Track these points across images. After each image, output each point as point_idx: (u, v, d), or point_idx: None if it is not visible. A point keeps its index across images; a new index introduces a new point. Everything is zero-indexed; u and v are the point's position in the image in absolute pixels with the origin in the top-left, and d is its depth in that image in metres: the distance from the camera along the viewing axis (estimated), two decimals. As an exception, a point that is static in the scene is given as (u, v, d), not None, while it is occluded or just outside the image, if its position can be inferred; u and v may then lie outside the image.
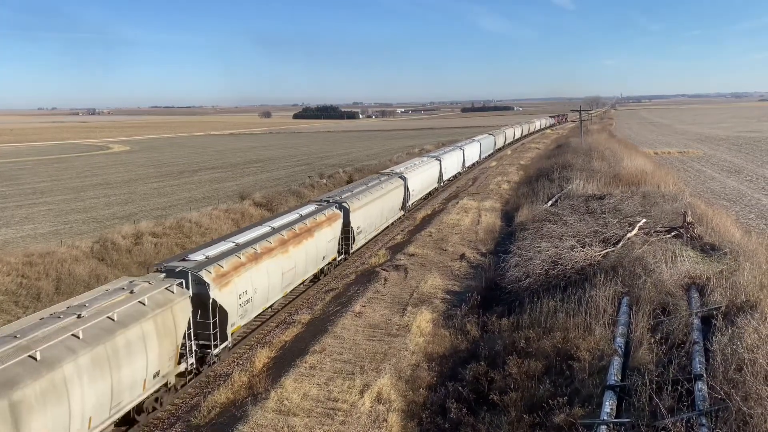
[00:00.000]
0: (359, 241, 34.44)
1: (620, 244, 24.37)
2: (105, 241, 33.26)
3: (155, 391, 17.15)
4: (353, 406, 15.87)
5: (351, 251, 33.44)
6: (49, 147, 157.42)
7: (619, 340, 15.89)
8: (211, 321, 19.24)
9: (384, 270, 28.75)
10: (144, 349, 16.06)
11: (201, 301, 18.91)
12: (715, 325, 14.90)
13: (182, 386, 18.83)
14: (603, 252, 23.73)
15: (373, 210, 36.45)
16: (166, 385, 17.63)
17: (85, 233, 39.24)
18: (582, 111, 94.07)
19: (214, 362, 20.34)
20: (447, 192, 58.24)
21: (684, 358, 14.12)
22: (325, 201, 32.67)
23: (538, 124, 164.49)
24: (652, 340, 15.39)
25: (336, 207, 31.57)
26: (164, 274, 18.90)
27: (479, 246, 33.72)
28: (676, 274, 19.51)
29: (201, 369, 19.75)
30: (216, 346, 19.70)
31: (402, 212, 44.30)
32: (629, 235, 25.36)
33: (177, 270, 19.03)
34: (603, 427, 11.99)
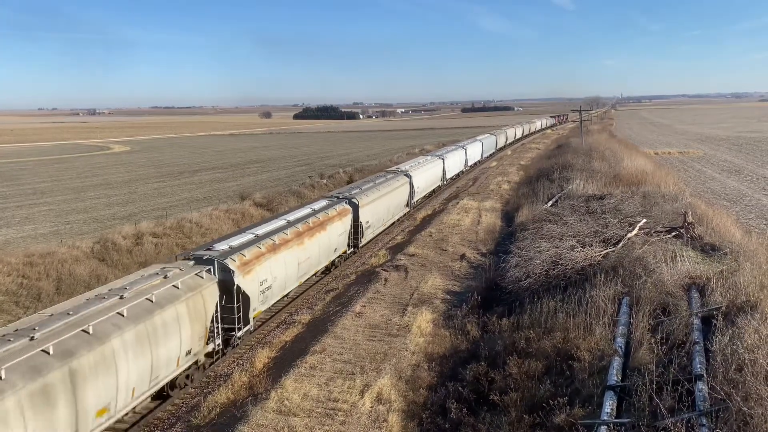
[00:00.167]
0: (368, 236, 35.75)
1: (620, 245, 24.36)
2: (105, 241, 33.28)
3: (187, 369, 18.58)
4: (353, 406, 15.87)
5: (360, 245, 34.82)
6: (50, 147, 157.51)
7: (620, 341, 15.89)
8: (235, 306, 20.66)
9: (384, 270, 28.76)
10: (178, 329, 17.46)
11: (226, 287, 20.32)
12: (715, 325, 14.90)
13: (210, 365, 20.24)
14: (603, 252, 23.73)
15: (381, 206, 37.79)
16: (196, 363, 19.11)
17: (86, 233, 39.26)
18: (582, 111, 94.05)
19: (237, 344, 21.72)
20: (447, 192, 58.25)
21: (684, 359, 14.12)
22: (335, 197, 34.02)
23: (539, 124, 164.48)
24: (653, 340, 15.39)
25: (346, 202, 32.82)
26: (193, 262, 20.23)
27: (479, 246, 33.72)
28: (676, 275, 19.51)
29: (226, 350, 21.12)
30: (240, 329, 21.16)
31: (407, 209, 45.80)
32: (629, 235, 25.36)
33: (204, 258, 20.44)
34: (603, 428, 11.99)
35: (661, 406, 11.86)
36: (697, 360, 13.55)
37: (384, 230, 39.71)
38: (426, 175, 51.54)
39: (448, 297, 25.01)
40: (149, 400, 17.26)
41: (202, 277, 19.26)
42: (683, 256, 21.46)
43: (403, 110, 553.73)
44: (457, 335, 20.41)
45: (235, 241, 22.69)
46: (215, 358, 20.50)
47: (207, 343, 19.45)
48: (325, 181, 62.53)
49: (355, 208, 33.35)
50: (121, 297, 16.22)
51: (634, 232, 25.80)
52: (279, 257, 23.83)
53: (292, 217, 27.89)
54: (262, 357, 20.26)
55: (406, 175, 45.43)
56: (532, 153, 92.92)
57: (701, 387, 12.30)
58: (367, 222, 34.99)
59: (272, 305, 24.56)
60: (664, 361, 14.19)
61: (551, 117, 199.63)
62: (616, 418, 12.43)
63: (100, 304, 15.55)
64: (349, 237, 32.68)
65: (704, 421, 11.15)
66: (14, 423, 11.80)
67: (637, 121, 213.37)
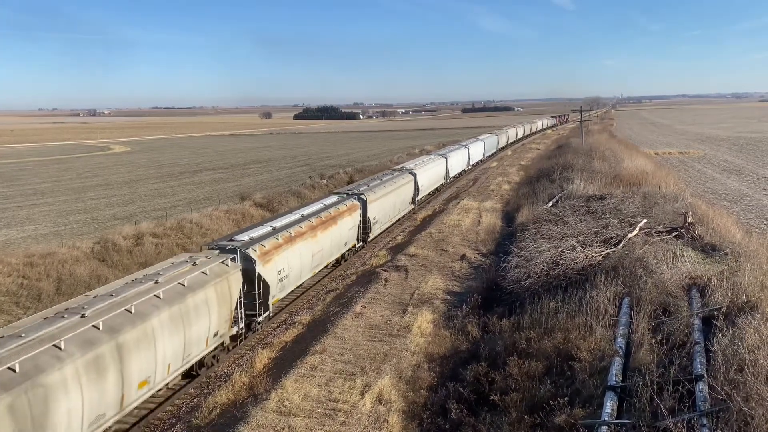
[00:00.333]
0: (375, 231, 37.15)
1: (621, 245, 24.35)
2: (106, 241, 33.27)
3: (214, 349, 20.06)
4: (354, 406, 15.86)
5: (368, 239, 36.14)
6: (50, 148, 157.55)
7: (620, 341, 15.88)
8: (256, 292, 22.03)
9: (385, 270, 28.75)
10: (207, 312, 18.89)
11: (248, 275, 21.60)
12: (715, 325, 14.89)
13: (234, 347, 21.65)
14: (604, 252, 23.72)
15: (387, 202, 39.19)
16: (222, 344, 20.60)
17: (86, 234, 39.26)
18: (582, 111, 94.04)
19: (258, 329, 23.14)
20: (448, 192, 58.26)
21: (685, 359, 14.11)
22: (345, 193, 35.43)
23: (539, 124, 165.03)
24: (653, 340, 15.38)
25: (355, 198, 34.20)
26: (218, 251, 21.60)
27: (480, 246, 33.72)
28: (676, 275, 19.50)
29: (247, 334, 22.44)
30: (260, 314, 22.59)
31: (412, 206, 47.12)
32: (630, 235, 25.35)
33: (228, 247, 21.83)
34: (604, 428, 11.98)
35: (662, 406, 11.85)
36: (698, 360, 13.54)
37: (390, 226, 41.00)
38: (430, 173, 52.67)
39: (449, 297, 25.00)
40: (180, 377, 18.71)
41: (228, 265, 20.69)
42: (684, 257, 21.45)
43: (404, 110, 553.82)
44: (457, 336, 20.39)
45: (255, 233, 24.11)
46: (239, 340, 21.87)
47: (232, 326, 20.87)
48: (325, 181, 62.52)
49: (364, 204, 34.66)
50: (156, 281, 17.56)
51: (635, 232, 25.79)
52: (295, 249, 25.22)
53: (306, 211, 29.35)
54: (263, 357, 20.26)
55: (411, 173, 46.56)
56: (532, 153, 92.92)
57: (702, 387, 12.29)
58: (374, 218, 36.26)
59: (288, 293, 25.96)
60: (664, 362, 14.18)
61: (552, 117, 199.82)
62: (616, 418, 12.42)
63: (139, 287, 16.98)
64: (358, 231, 34.03)
65: (705, 422, 11.14)
66: (73, 389, 13.31)
67: (638, 122, 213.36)
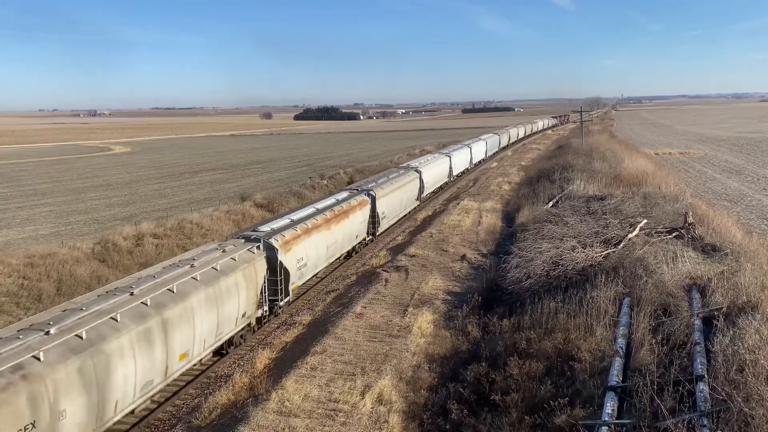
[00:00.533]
0: (383, 225, 38.75)
1: (621, 245, 24.35)
2: (106, 242, 33.27)
3: (242, 329, 21.69)
4: (354, 407, 15.86)
5: (377, 233, 37.79)
6: (50, 148, 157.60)
7: (621, 341, 15.87)
8: (278, 278, 23.75)
9: (385, 271, 28.74)
10: (237, 294, 20.52)
11: (270, 263, 23.21)
12: (716, 325, 14.89)
13: (258, 328, 23.39)
14: (604, 253, 23.72)
15: (395, 198, 40.85)
16: (249, 325, 22.27)
17: (86, 234, 39.27)
18: (582, 112, 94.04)
19: (279, 313, 24.95)
20: (448, 193, 58.28)
21: (685, 359, 14.11)
22: (355, 189, 37.39)
23: (540, 124, 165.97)
24: (654, 340, 15.38)
25: (365, 194, 35.88)
26: (244, 240, 23.27)
27: (480, 247, 33.71)
28: (677, 275, 19.50)
29: (270, 317, 24.12)
30: (282, 299, 24.36)
31: (417, 202, 48.76)
32: (630, 235, 25.34)
33: (252, 237, 23.64)
34: (604, 428, 11.99)
35: (662, 406, 11.85)
36: (698, 361, 13.54)
37: (397, 221, 42.72)
38: (434, 171, 54.39)
39: (449, 298, 25.00)
40: (211, 354, 20.32)
41: (254, 252, 22.40)
42: (684, 257, 21.45)
43: (404, 111, 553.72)
44: (457, 336, 20.39)
45: (276, 224, 26.06)
46: (263, 322, 23.63)
47: (257, 309, 22.58)
48: (325, 182, 62.52)
49: (373, 200, 36.22)
50: (192, 265, 19.23)
51: (635, 232, 25.79)
52: (311, 240, 26.93)
53: (320, 205, 31.25)
54: (263, 358, 20.26)
55: (416, 171, 48.18)
56: (532, 153, 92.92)
57: (702, 388, 12.29)
58: (383, 212, 37.82)
59: (306, 281, 27.66)
60: (665, 362, 14.18)
61: (553, 117, 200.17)
62: (617, 418, 12.42)
63: (178, 270, 18.72)
64: (368, 225, 35.68)
65: (705, 422, 11.14)
66: (128, 356, 15.05)
67: (638, 122, 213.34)
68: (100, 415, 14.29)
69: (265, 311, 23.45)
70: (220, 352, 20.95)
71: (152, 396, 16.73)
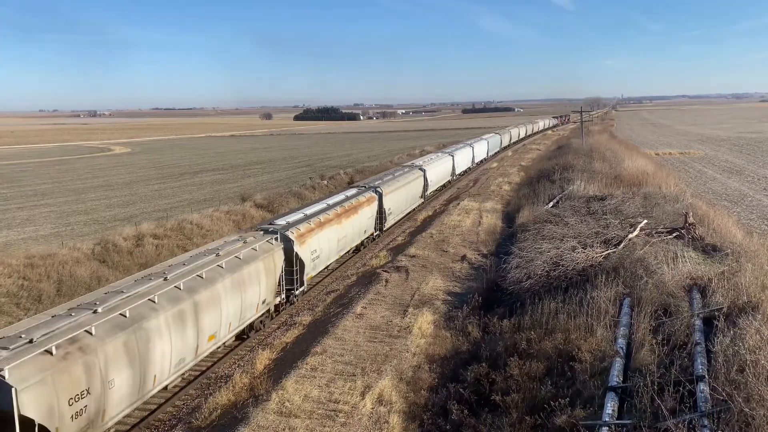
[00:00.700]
0: (390, 221, 40.31)
1: (621, 245, 24.34)
2: (106, 242, 33.26)
3: (261, 315, 23.05)
4: (354, 407, 15.85)
5: (384, 229, 39.22)
6: (51, 149, 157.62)
7: (621, 342, 15.86)
8: (295, 268, 25.29)
9: (385, 271, 28.73)
10: (258, 282, 21.88)
11: (287, 254, 24.60)
12: (716, 326, 14.88)
13: (276, 315, 24.81)
14: (604, 253, 23.70)
15: (401, 195, 42.36)
16: (268, 311, 23.71)
17: (87, 235, 39.26)
18: (583, 112, 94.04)
19: (295, 302, 26.39)
20: (448, 193, 58.28)
21: (686, 360, 14.10)
22: (363, 186, 38.71)
23: (541, 124, 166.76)
24: (654, 341, 15.37)
25: (373, 191, 37.31)
26: (262, 232, 24.77)
27: (480, 247, 33.70)
28: (677, 275, 19.49)
29: (286, 305, 25.65)
30: (297, 288, 25.96)
31: (422, 200, 50.13)
32: (630, 236, 25.33)
33: (270, 230, 25.17)
34: (605, 429, 11.97)
35: (663, 407, 11.84)
36: (699, 361, 13.53)
37: (402, 217, 44.12)
38: (438, 170, 55.71)
39: (449, 298, 24.99)
40: (234, 338, 21.62)
41: (272, 243, 23.77)
42: (684, 257, 21.45)
43: (404, 111, 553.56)
44: (458, 336, 20.38)
45: (291, 218, 27.54)
46: (281, 309, 25.15)
47: (276, 296, 24.03)
48: (325, 182, 62.51)
49: (380, 196, 37.61)
50: (218, 254, 20.66)
51: (635, 233, 25.77)
52: (324, 233, 28.41)
53: (331, 201, 32.83)
54: (263, 358, 20.25)
55: (420, 169, 49.59)
56: (532, 154, 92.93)
57: (703, 388, 12.27)
58: (389, 209, 39.27)
59: (318, 272, 29.13)
60: (665, 362, 14.17)
61: (554, 118, 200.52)
62: (617, 419, 12.41)
63: (205, 258, 20.13)
64: (375, 221, 37.12)
65: (706, 422, 11.13)
66: (165, 334, 16.37)
67: (638, 122, 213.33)
68: (141, 387, 15.64)
69: (283, 299, 25.04)
70: (241, 337, 22.34)
71: (183, 373, 18.10)
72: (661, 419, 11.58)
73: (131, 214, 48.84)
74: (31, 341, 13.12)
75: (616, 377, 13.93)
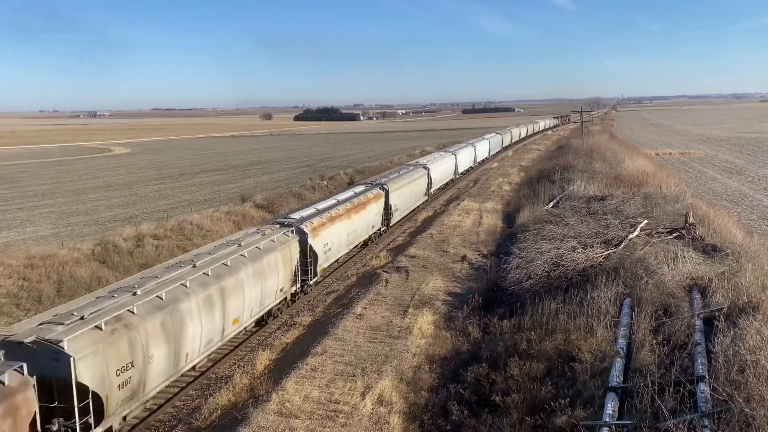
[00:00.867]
0: (396, 217, 41.78)
1: (622, 246, 24.33)
2: (106, 243, 33.26)
3: (279, 302, 24.68)
4: (355, 408, 15.84)
5: (390, 224, 40.77)
6: (51, 149, 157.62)
7: (621, 342, 15.85)
8: (309, 260, 26.76)
9: (385, 272, 28.72)
10: (276, 271, 23.43)
11: (302, 246, 26.05)
12: (717, 326, 14.87)
13: (292, 303, 26.45)
14: (604, 253, 23.69)
15: (406, 193, 43.80)
16: (285, 299, 25.26)
17: (87, 235, 39.25)
18: (583, 112, 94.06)
19: (309, 291, 27.93)
20: (448, 193, 58.28)
21: (686, 360, 14.09)
22: (370, 183, 40.12)
23: (542, 124, 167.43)
24: (654, 341, 15.37)
25: (380, 188, 38.74)
26: (279, 225, 26.32)
27: (480, 247, 33.69)
28: (677, 276, 19.48)
29: (301, 295, 27.11)
30: (311, 278, 27.43)
31: (426, 197, 51.53)
32: (631, 236, 25.32)
33: (286, 223, 26.81)
34: (605, 429, 11.97)
35: (663, 407, 11.83)
36: (699, 361, 13.52)
37: (408, 214, 45.43)
38: (441, 168, 57.23)
39: (449, 298, 24.98)
40: (254, 324, 23.08)
41: (289, 236, 25.30)
42: (685, 257, 21.43)
43: (404, 111, 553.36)
44: (458, 337, 20.37)
45: (304, 213, 29.18)
46: (296, 298, 26.62)
47: (291, 286, 25.44)
48: (325, 182, 62.51)
49: (387, 193, 39.02)
50: (239, 245, 22.11)
51: (636, 233, 25.76)
52: (335, 227, 29.84)
53: (341, 197, 34.24)
54: (263, 359, 20.24)
55: (424, 167, 51.08)
56: (533, 154, 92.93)
57: (703, 388, 12.27)
58: (395, 205, 40.67)
59: (329, 265, 30.45)
60: (665, 363, 14.16)
61: (555, 118, 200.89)
62: (617, 419, 12.40)
63: (228, 248, 21.53)
64: (382, 217, 38.43)
65: (706, 423, 11.13)
66: (195, 316, 17.82)
67: (638, 122, 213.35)
68: (176, 364, 17.07)
69: (298, 288, 26.38)
70: (260, 323, 23.75)
71: (210, 354, 19.49)
72: (662, 419, 11.57)
73: (131, 215, 48.83)
74: (82, 318, 14.52)
75: (616, 377, 13.93)
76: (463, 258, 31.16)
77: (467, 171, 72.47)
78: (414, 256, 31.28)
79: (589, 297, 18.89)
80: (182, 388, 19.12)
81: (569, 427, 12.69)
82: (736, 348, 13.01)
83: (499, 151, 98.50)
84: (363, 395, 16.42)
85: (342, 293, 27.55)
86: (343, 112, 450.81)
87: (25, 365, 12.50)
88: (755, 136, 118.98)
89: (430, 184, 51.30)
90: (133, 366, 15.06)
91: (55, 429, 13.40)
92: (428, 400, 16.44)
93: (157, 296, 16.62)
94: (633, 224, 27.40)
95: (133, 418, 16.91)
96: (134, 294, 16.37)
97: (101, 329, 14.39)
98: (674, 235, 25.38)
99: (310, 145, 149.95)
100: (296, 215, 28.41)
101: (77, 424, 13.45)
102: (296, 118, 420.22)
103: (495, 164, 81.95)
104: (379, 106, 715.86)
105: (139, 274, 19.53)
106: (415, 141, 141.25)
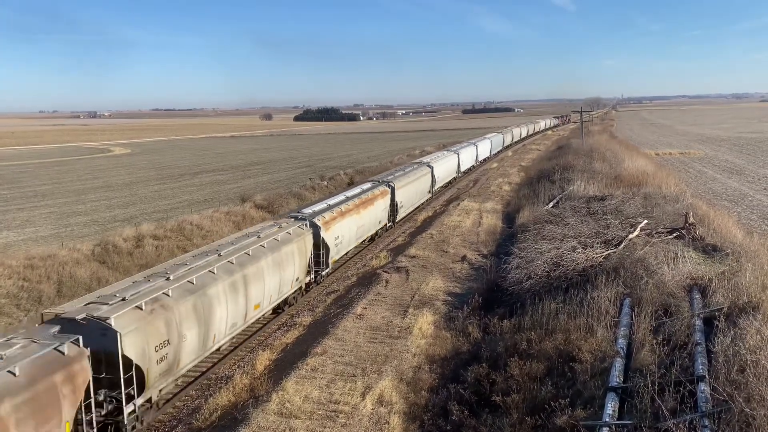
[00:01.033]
0: (401, 214, 43.23)
1: (622, 246, 24.33)
2: (106, 243, 33.26)
3: (295, 291, 26.03)
4: (355, 408, 15.84)
5: (396, 220, 42.13)
6: (51, 150, 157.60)
7: (621, 342, 15.86)
8: (321, 252, 28.20)
9: (385, 272, 28.71)
10: (293, 261, 24.81)
11: (315, 238, 27.44)
12: (717, 326, 14.87)
13: (306, 292, 27.90)
14: (604, 253, 23.69)
15: (411, 190, 45.22)
16: (299, 288, 26.62)
17: (87, 236, 39.26)
18: (583, 112, 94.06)
19: (322, 281, 29.47)
20: (448, 194, 58.29)
21: (686, 360, 14.09)
22: (377, 180, 41.71)
23: (542, 124, 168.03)
24: (654, 341, 15.37)
25: (386, 185, 40.12)
26: (293, 219, 27.76)
27: (480, 248, 33.69)
28: (677, 276, 19.48)
29: (313, 285, 28.54)
30: (323, 270, 28.95)
31: (429, 195, 52.90)
32: (631, 236, 25.32)
33: (300, 217, 28.27)
34: (605, 429, 11.97)
35: (663, 407, 11.83)
36: (699, 361, 13.52)
37: (412, 210, 46.85)
38: (444, 167, 58.68)
39: (449, 299, 24.98)
40: (271, 311, 24.41)
41: (303, 229, 26.79)
42: (685, 257, 21.43)
43: (404, 112, 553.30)
44: (458, 337, 20.37)
45: (316, 207, 30.53)
46: (310, 288, 28.16)
47: (306, 276, 26.82)
48: (325, 182, 62.51)
49: (393, 190, 40.42)
50: (259, 236, 23.60)
51: (636, 233, 25.76)
52: (345, 221, 31.20)
53: (350, 193, 35.84)
54: (263, 359, 20.23)
55: (428, 166, 52.58)
56: (532, 154, 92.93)
57: (703, 388, 12.27)
58: (400, 202, 42.03)
59: (340, 257, 31.77)
60: (665, 363, 14.16)
61: (555, 118, 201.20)
62: (617, 419, 12.40)
63: (249, 239, 22.98)
64: (388, 213, 39.79)
65: (706, 423, 11.13)
66: (222, 301, 19.17)
67: (638, 122, 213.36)
68: (205, 344, 18.43)
69: (312, 278, 27.84)
70: (276, 311, 25.10)
71: (233, 337, 20.90)
72: (662, 419, 11.57)
73: (131, 215, 48.84)
74: (124, 299, 15.86)
75: (616, 377, 13.93)
76: (463, 258, 31.16)
77: (469, 170, 73.97)
78: (414, 256, 31.28)
79: (589, 297, 18.88)
80: (182, 388, 19.13)
81: (569, 427, 12.69)
82: (737, 348, 13.01)
83: (500, 150, 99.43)
84: (363, 395, 16.41)
85: (342, 293, 27.54)
86: (343, 112, 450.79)
87: (81, 338, 13.72)
88: (755, 136, 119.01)
89: (433, 182, 52.65)
90: (169, 343, 16.32)
91: (101, 399, 14.66)
92: (428, 400, 16.43)
93: (188, 281, 17.99)
94: (633, 224, 27.40)
95: (167, 393, 17.54)
96: (167, 279, 17.68)
97: (141, 309, 15.72)
98: (674, 235, 25.38)
99: (310, 146, 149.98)
100: (308, 210, 29.70)
101: (122, 394, 14.87)
102: (296, 119, 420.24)
103: (495, 164, 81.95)
104: (379, 106, 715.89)
105: (170, 262, 21.19)
106: (415, 141, 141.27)
